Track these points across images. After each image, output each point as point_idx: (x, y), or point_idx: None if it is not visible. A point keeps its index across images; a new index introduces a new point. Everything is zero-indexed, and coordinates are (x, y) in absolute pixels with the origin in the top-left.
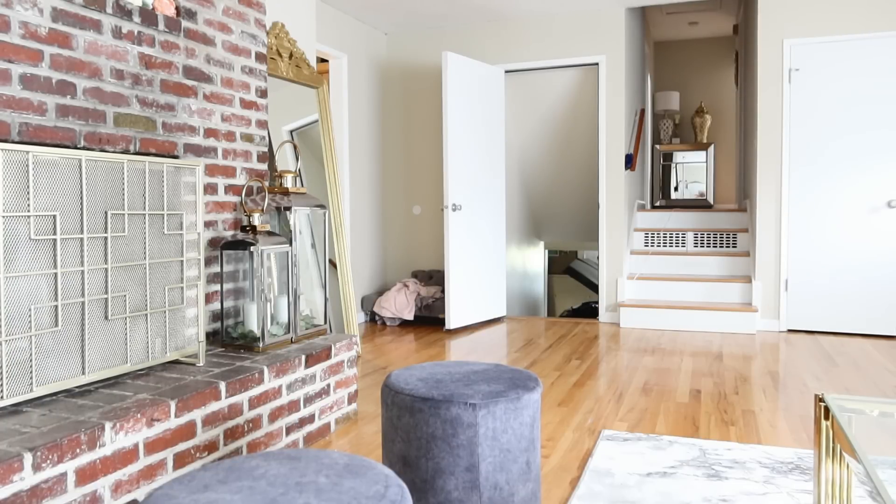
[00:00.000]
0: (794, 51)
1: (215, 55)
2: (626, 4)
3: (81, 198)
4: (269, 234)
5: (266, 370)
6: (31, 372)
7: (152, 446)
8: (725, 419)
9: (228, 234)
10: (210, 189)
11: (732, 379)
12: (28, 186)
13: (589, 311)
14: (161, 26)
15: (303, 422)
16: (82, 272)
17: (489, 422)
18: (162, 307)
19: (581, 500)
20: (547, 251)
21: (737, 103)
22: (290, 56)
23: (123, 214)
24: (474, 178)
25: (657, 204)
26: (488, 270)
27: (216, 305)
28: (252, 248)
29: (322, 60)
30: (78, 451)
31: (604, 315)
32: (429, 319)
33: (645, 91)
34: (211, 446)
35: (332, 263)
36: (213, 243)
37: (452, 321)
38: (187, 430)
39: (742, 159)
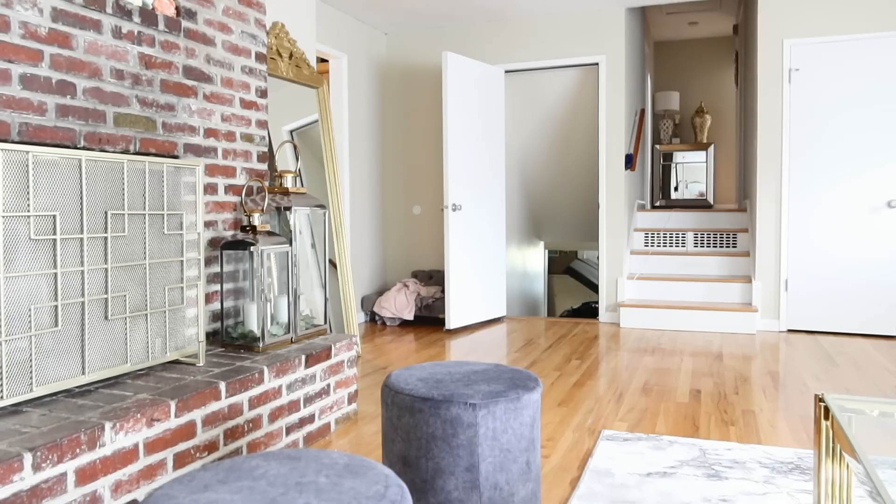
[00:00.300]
0: (794, 51)
1: (215, 55)
2: (626, 4)
3: (81, 198)
4: (269, 234)
5: (266, 370)
6: (31, 372)
7: (152, 446)
8: (725, 419)
9: (228, 234)
10: (210, 189)
11: (732, 379)
12: (28, 186)
13: (589, 311)
14: (161, 26)
15: (303, 422)
16: (82, 272)
17: (489, 422)
18: (162, 307)
19: (581, 500)
20: (547, 251)
21: (737, 103)
22: (290, 56)
23: (123, 214)
24: (474, 178)
25: (657, 204)
26: (488, 270)
27: (216, 305)
28: (252, 248)
29: (322, 60)
30: (78, 451)
31: (604, 315)
32: (429, 319)
33: (645, 91)
34: (211, 446)
35: (332, 263)
36: (213, 243)
37: (452, 321)
38: (187, 430)
39: (742, 159)
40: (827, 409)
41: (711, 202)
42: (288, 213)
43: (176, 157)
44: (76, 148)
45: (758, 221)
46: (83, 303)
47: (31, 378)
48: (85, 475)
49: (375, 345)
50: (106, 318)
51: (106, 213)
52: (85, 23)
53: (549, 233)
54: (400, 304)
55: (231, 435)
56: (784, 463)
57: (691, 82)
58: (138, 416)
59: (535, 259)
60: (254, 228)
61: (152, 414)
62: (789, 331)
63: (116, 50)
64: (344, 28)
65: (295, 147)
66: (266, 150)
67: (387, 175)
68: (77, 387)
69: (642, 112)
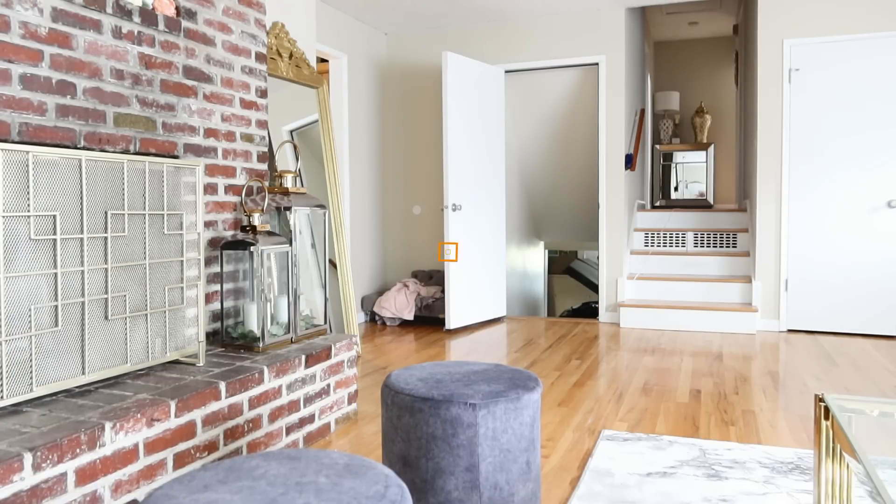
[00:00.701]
0: (794, 51)
1: (215, 55)
2: (626, 4)
3: (81, 198)
4: (269, 234)
5: (266, 370)
6: (31, 372)
7: (152, 446)
8: (725, 419)
9: (228, 234)
10: (210, 189)
11: (732, 379)
12: (28, 186)
13: (589, 311)
14: (161, 26)
15: (303, 422)
16: (82, 272)
17: (489, 422)
18: (162, 307)
19: (581, 500)
20: (547, 251)
21: (737, 103)
22: (290, 56)
23: (123, 214)
24: (474, 178)
25: (657, 204)
26: (488, 270)
27: (216, 305)
28: (252, 248)
29: (322, 60)
30: (78, 451)
31: (604, 315)
32: (429, 319)
33: (645, 91)
34: (211, 446)
35: (332, 263)
36: (213, 243)
37: (452, 321)
38: (187, 430)
39: (742, 159)
40: (827, 409)
41: (711, 202)
42: (288, 213)
43: (176, 157)
44: (76, 148)
45: (758, 221)
46: (83, 303)
47: (31, 378)
48: (85, 475)
49: (375, 345)
50: (106, 318)
51: (106, 213)
52: (85, 23)
53: (549, 233)
54: (400, 304)
55: (231, 435)
56: (784, 463)
57: (691, 82)
58: (138, 416)
59: (535, 259)
60: (254, 228)
61: (152, 414)
62: (789, 331)
63: (116, 50)
64: (344, 28)
65: (295, 147)
66: (266, 150)
67: (387, 175)
68: (77, 387)
69: (642, 112)
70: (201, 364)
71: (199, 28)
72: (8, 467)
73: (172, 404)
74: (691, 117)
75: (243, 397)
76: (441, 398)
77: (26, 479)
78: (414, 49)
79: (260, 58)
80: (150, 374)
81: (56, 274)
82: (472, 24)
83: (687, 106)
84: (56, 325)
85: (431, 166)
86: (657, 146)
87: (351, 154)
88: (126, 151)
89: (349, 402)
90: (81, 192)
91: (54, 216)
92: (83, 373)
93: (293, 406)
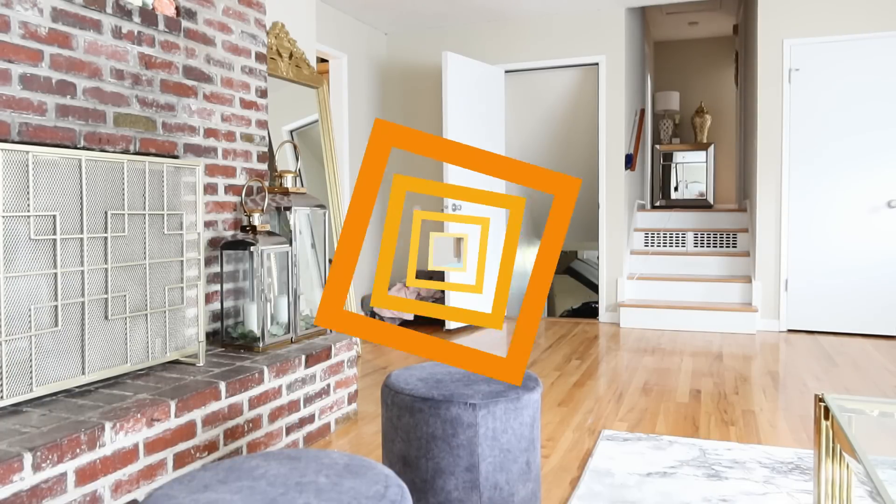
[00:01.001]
0: (794, 51)
1: (215, 55)
2: (626, 4)
3: (81, 198)
4: (269, 234)
5: (266, 370)
6: (31, 372)
7: (152, 446)
8: (725, 419)
9: (228, 234)
10: (210, 189)
11: (732, 379)
12: (28, 186)
13: (589, 311)
14: (161, 26)
15: (303, 422)
16: (82, 272)
17: (489, 422)
18: (162, 307)
19: (581, 500)
20: None
21: (737, 103)
22: (290, 56)
23: (123, 214)
24: (474, 178)
25: (657, 204)
26: (488, 270)
27: (216, 305)
28: (252, 248)
29: (322, 60)
30: (78, 451)
31: (604, 315)
32: (429, 319)
33: (645, 91)
34: (211, 446)
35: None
36: (213, 243)
37: (452, 321)
38: (187, 430)
39: (742, 159)
40: (827, 409)
41: (711, 202)
42: (288, 213)
43: (176, 157)
44: (76, 148)
45: (758, 221)
46: (83, 303)
47: (31, 378)
48: (85, 475)
49: (375, 345)
50: (106, 318)
51: (106, 213)
52: (85, 23)
53: None
54: None
55: (231, 435)
56: (784, 463)
57: (691, 82)
58: (138, 416)
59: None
60: (254, 228)
61: (152, 414)
62: (789, 331)
63: (116, 50)
64: (344, 28)
65: (295, 147)
66: (266, 150)
67: (386, 175)
68: (77, 387)
69: (642, 112)
70: (201, 364)
71: (199, 28)
72: (8, 467)
73: (172, 404)
74: (691, 117)
75: (243, 397)
76: (441, 398)
77: (26, 479)
78: (414, 49)
79: (260, 58)
80: (150, 374)
81: (56, 274)
82: (472, 24)
83: (687, 106)
84: (56, 325)
85: (431, 166)
86: (657, 146)
87: (351, 154)
88: (126, 151)
89: (349, 402)
90: (81, 192)
91: (54, 216)
92: (83, 373)
93: (293, 406)
